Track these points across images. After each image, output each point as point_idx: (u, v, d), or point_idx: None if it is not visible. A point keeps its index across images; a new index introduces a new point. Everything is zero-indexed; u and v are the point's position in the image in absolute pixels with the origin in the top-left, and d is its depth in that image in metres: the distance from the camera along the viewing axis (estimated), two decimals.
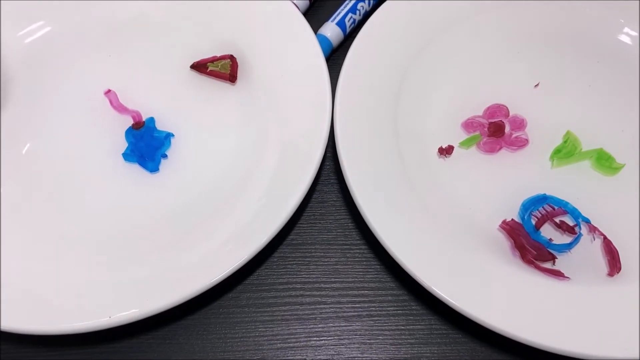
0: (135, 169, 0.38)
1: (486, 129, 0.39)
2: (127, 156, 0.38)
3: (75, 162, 0.38)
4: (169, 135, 0.39)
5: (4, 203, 0.36)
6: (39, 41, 0.42)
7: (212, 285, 0.31)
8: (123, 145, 0.39)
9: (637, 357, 0.30)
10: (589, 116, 0.39)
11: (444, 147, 0.38)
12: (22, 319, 0.31)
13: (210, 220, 0.35)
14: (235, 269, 0.32)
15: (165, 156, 0.38)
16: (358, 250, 0.36)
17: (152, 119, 0.39)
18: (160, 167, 0.38)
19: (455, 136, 0.39)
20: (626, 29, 0.42)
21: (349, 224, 0.37)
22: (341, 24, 0.43)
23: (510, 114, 0.39)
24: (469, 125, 0.39)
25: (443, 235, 0.34)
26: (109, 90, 0.40)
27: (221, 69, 0.40)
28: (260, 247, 0.33)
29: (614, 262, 0.34)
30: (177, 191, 0.37)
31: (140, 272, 0.33)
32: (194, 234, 0.35)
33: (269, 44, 0.40)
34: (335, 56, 0.44)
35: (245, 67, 0.40)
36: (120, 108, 0.40)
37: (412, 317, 0.34)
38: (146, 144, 0.38)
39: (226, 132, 0.39)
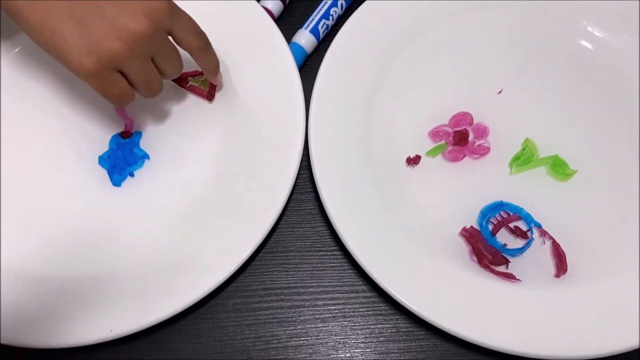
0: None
1: (451, 138, 0.41)
2: (102, 160, 0.40)
3: (56, 157, 0.41)
4: (144, 157, 0.41)
5: None
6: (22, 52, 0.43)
7: (198, 299, 0.35)
8: (104, 148, 0.41)
9: (581, 356, 0.34)
10: (548, 122, 0.42)
11: (411, 157, 0.41)
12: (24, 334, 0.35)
13: (193, 235, 0.38)
14: (222, 281, 0.36)
15: (132, 175, 0.40)
16: (333, 257, 0.40)
17: (139, 134, 0.41)
18: (125, 184, 0.40)
19: (424, 145, 0.41)
20: (587, 33, 0.44)
21: (325, 232, 0.40)
22: (314, 31, 0.45)
23: (475, 121, 0.42)
24: (435, 134, 0.42)
25: (409, 242, 0.38)
26: None
27: (201, 85, 0.41)
28: (242, 261, 0.36)
29: (561, 264, 0.38)
30: (148, 207, 0.40)
31: (135, 286, 0.37)
32: (178, 250, 0.38)
33: (242, 58, 0.42)
34: (309, 61, 0.46)
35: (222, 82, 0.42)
36: (120, 111, 0.42)
37: (381, 317, 0.38)
38: (123, 156, 0.41)
39: (201, 149, 0.41)
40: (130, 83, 0.35)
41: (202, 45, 0.36)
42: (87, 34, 0.31)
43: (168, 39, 0.35)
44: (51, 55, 0.33)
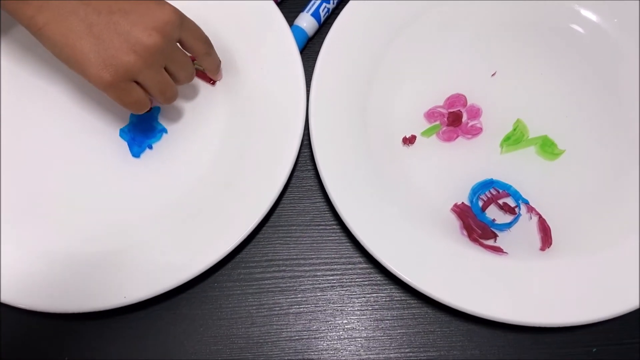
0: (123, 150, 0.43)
1: (446, 119, 0.43)
2: (123, 132, 0.43)
3: (80, 125, 0.43)
4: (162, 131, 0.43)
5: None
6: None
7: (206, 269, 0.38)
8: (124, 122, 0.43)
9: (560, 323, 0.36)
10: (538, 104, 0.44)
11: (407, 136, 0.43)
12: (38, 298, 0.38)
13: (200, 209, 0.40)
14: (228, 252, 0.38)
15: (150, 147, 0.43)
16: (331, 231, 0.42)
17: (158, 109, 0.43)
18: (143, 156, 0.42)
19: (420, 125, 0.43)
20: (579, 17, 0.45)
21: (324, 207, 0.43)
22: (316, 14, 0.46)
23: (468, 103, 0.44)
24: (430, 115, 0.43)
25: (403, 217, 0.40)
26: None
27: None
28: (246, 233, 0.39)
29: (546, 238, 0.40)
30: (162, 183, 0.42)
31: (148, 256, 0.39)
32: (186, 224, 0.40)
33: (246, 41, 0.44)
34: (310, 44, 0.47)
35: (224, 65, 0.44)
36: None
37: (376, 287, 0.41)
38: (142, 129, 0.43)
39: (207, 131, 0.43)
40: (146, 91, 0.37)
41: (207, 49, 0.39)
42: (104, 49, 0.34)
43: (178, 48, 0.37)
44: (71, 68, 0.35)
